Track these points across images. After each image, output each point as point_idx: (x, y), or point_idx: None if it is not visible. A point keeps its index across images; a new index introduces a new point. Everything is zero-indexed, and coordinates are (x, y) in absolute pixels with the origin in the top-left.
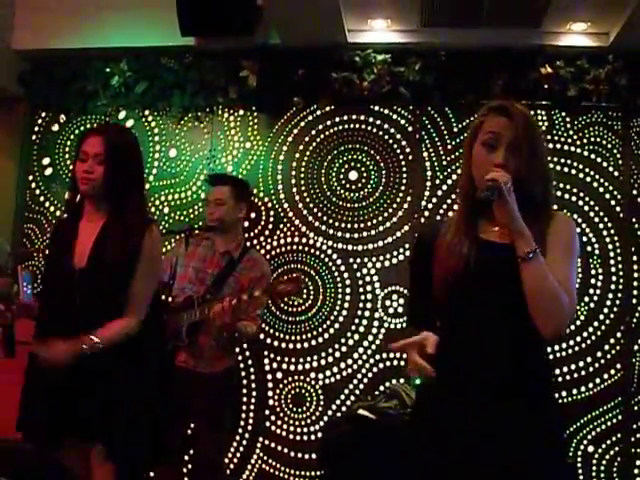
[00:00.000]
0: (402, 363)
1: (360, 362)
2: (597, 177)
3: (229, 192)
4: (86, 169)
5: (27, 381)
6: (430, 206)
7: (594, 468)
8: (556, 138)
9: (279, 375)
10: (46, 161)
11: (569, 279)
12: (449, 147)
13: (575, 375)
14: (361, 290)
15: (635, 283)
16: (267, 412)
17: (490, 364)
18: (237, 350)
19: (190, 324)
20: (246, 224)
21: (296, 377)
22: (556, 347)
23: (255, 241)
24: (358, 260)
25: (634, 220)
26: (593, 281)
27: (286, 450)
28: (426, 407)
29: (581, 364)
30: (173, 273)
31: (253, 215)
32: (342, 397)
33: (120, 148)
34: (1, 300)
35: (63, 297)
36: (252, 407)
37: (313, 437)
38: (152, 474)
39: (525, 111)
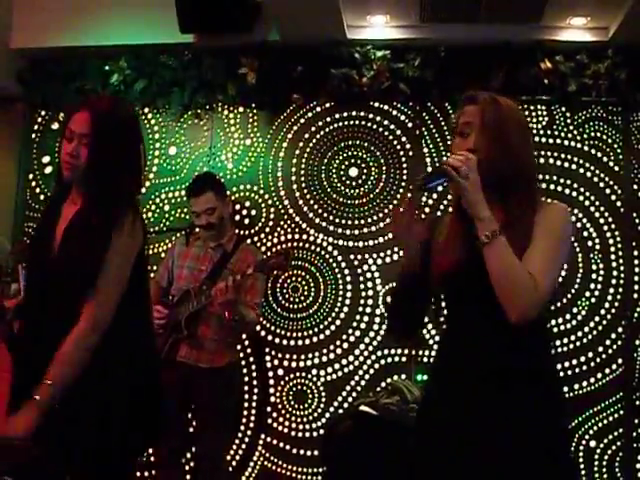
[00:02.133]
0: (403, 359)
1: (361, 358)
2: (597, 172)
3: (214, 196)
4: (71, 152)
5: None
6: (430, 202)
7: (596, 463)
8: (556, 133)
9: (280, 372)
10: (46, 159)
11: (545, 264)
12: (449, 143)
13: (577, 370)
14: (362, 286)
15: (636, 278)
16: (269, 409)
17: (485, 361)
18: (239, 347)
19: (188, 315)
20: (246, 221)
21: (297, 374)
22: (557, 342)
23: (255, 238)
24: (359, 256)
25: (635, 215)
26: (594, 276)
27: (288, 447)
28: (430, 405)
29: (582, 359)
30: (171, 275)
31: (253, 212)
32: (344, 394)
33: (110, 130)
34: None
35: (37, 291)
36: (254, 404)
37: (315, 434)
38: (153, 472)
39: (494, 96)
